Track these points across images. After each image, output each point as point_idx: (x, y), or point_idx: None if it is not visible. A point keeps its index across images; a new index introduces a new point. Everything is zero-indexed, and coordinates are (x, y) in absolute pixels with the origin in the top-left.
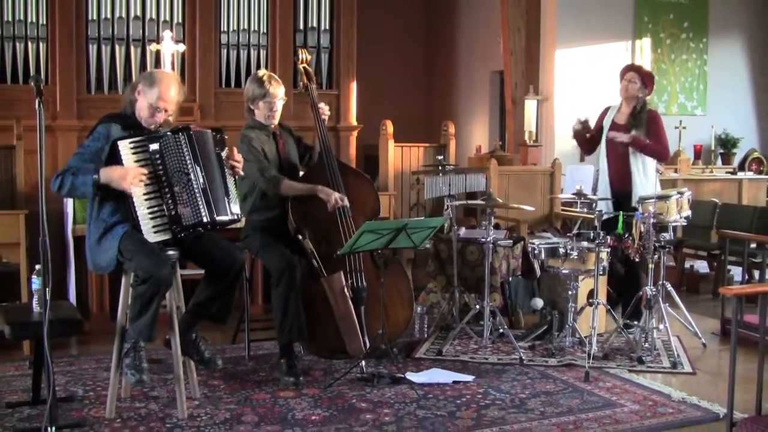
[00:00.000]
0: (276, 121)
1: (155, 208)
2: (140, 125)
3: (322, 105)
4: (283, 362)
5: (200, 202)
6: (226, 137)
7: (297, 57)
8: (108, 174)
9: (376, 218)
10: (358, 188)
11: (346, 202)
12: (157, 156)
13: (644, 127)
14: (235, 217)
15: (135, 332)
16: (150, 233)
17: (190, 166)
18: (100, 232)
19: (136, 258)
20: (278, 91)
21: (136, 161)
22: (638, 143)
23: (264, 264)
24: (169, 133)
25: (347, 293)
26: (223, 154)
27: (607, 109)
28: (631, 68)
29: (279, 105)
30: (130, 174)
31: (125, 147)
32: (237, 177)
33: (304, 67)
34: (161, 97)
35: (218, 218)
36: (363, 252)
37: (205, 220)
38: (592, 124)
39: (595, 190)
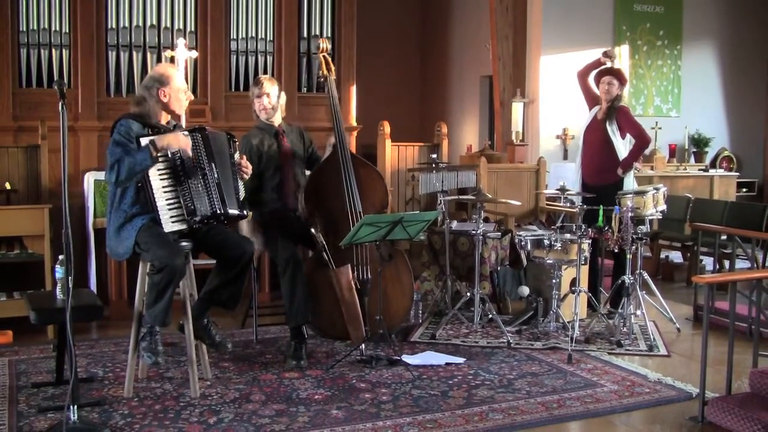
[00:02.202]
0: (268, 115)
1: (173, 200)
2: (157, 124)
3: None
4: (293, 344)
5: (214, 196)
6: (237, 142)
7: (317, 46)
8: (162, 142)
9: (384, 210)
10: (369, 181)
11: None
12: (176, 152)
13: (615, 121)
14: (244, 213)
15: (151, 318)
16: (168, 223)
17: (205, 162)
18: (120, 222)
19: (152, 249)
20: (265, 87)
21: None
22: (629, 161)
23: (270, 256)
24: (186, 131)
25: (354, 285)
26: (236, 156)
27: (592, 110)
28: (607, 72)
29: (267, 100)
30: (180, 138)
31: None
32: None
33: (323, 56)
34: (179, 85)
35: (230, 211)
36: (370, 245)
37: (218, 211)
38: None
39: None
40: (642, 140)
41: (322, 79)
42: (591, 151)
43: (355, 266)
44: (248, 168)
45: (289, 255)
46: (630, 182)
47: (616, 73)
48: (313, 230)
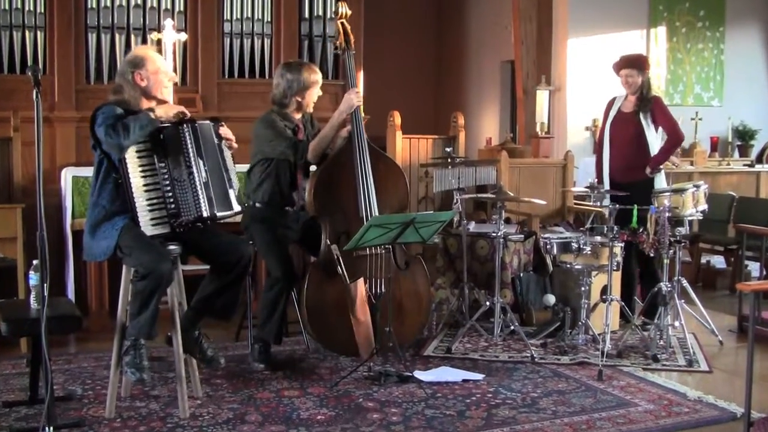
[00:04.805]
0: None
1: (154, 201)
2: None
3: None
4: (256, 347)
5: (201, 197)
6: (223, 124)
7: (336, 12)
8: (160, 111)
9: (403, 211)
10: (388, 177)
11: (360, 97)
12: (159, 147)
13: (650, 113)
14: (238, 210)
15: (135, 329)
16: (148, 226)
17: (192, 158)
18: (99, 218)
19: (135, 253)
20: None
21: (138, 151)
22: (659, 160)
23: (260, 256)
24: (171, 124)
25: (368, 300)
26: (223, 143)
27: (612, 100)
28: (623, 64)
29: None
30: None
31: None
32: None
33: (342, 23)
34: (158, 66)
35: (219, 213)
36: (385, 253)
37: (205, 214)
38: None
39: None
40: (675, 137)
41: (339, 52)
42: (620, 146)
43: (368, 279)
44: (232, 137)
45: (281, 273)
46: (662, 180)
47: (634, 63)
48: (328, 241)
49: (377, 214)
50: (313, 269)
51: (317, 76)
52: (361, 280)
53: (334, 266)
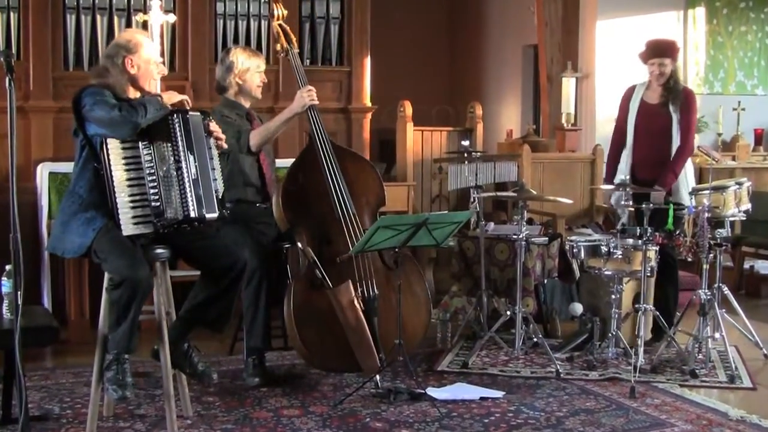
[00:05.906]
0: (260, 95)
1: (137, 197)
2: (129, 99)
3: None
4: (249, 361)
5: (189, 195)
6: (211, 119)
7: (271, 13)
8: (165, 97)
9: (381, 209)
10: (359, 175)
11: (314, 95)
12: (146, 137)
13: (679, 104)
14: (224, 215)
15: (113, 343)
16: (129, 224)
17: (182, 152)
18: (74, 209)
19: (110, 259)
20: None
21: (122, 141)
22: (670, 178)
23: None
24: (163, 113)
25: (358, 305)
26: (211, 141)
27: (632, 89)
28: (655, 53)
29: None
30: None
31: None
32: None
33: (279, 25)
34: (150, 54)
35: (208, 215)
36: (372, 252)
37: (193, 215)
38: None
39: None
40: (687, 145)
41: (282, 54)
42: (647, 140)
43: (357, 282)
44: (223, 138)
45: (256, 264)
46: (690, 178)
47: (667, 50)
48: (299, 245)
49: (355, 213)
50: (295, 283)
51: (257, 58)
52: (348, 284)
53: (314, 272)
